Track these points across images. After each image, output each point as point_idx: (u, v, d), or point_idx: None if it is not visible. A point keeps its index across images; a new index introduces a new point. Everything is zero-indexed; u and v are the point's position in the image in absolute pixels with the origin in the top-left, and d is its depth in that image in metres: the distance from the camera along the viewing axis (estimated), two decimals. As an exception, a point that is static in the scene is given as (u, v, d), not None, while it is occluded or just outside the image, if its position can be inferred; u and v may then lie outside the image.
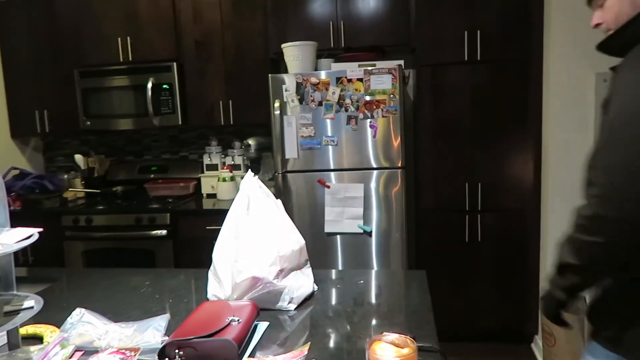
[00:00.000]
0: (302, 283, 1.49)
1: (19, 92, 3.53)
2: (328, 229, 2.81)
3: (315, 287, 1.55)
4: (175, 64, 3.27)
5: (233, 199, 1.55)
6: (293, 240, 1.51)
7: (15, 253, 1.09)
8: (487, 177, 2.89)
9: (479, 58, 2.80)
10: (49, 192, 3.51)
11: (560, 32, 2.63)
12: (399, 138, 2.72)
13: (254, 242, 1.44)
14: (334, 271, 1.76)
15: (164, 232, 3.12)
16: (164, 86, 3.30)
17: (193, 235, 3.07)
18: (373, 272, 1.76)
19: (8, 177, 3.47)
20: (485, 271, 2.95)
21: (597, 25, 1.20)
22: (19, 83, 3.51)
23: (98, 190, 3.55)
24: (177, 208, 3.17)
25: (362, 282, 1.63)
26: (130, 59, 3.35)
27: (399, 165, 2.74)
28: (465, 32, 2.79)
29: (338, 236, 2.83)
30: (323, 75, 2.76)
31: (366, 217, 2.80)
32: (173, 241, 3.14)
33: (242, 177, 3.36)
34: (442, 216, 2.96)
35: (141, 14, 3.32)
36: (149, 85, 3.28)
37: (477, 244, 2.93)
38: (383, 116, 2.71)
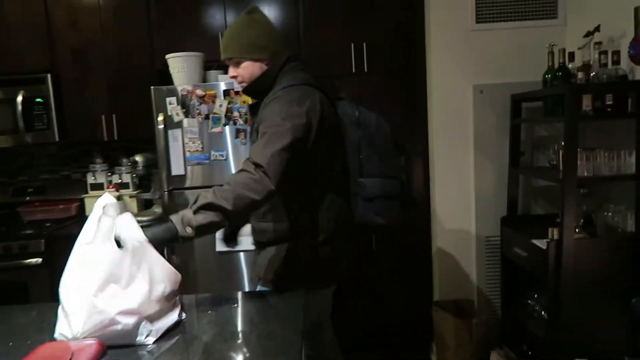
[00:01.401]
0: (163, 312, 1.35)
1: None
2: (219, 247, 2.67)
3: (183, 315, 1.42)
4: (49, 75, 2.99)
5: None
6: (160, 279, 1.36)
7: None
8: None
9: (366, 70, 2.82)
10: None
11: (439, 47, 2.73)
12: (290, 151, 2.66)
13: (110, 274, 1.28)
14: (207, 295, 1.64)
15: (39, 260, 2.81)
16: (37, 99, 3.00)
17: (73, 262, 2.78)
18: (249, 294, 1.65)
19: None
20: (382, 276, 2.96)
21: (233, 77, 1.78)
22: None
23: (-38, 217, 3.14)
24: (55, 232, 2.88)
25: (235, 305, 1.52)
26: (-4, 70, 3.02)
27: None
28: (352, 45, 2.80)
29: (233, 255, 2.71)
30: (209, 87, 2.64)
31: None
32: (49, 270, 2.83)
33: (129, 197, 3.20)
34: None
35: (7, 19, 3.00)
36: (19, 99, 2.96)
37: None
38: (273, 129, 2.64)
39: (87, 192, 3.27)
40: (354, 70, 2.81)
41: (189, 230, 1.44)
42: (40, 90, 3.00)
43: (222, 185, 1.49)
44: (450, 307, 2.77)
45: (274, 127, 1.55)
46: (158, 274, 1.34)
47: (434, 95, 2.75)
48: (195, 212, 1.45)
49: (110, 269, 1.28)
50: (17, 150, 3.41)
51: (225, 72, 2.88)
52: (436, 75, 2.74)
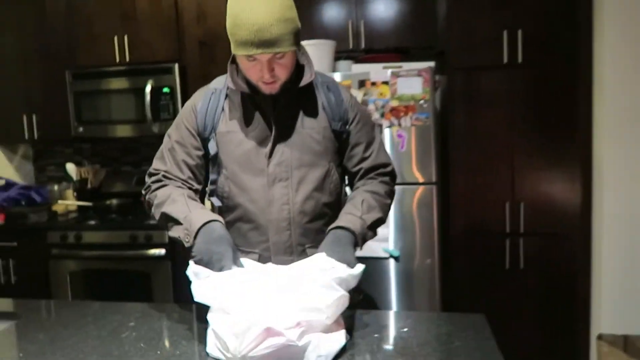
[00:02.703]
0: (331, 334, 1.14)
1: (5, 95, 3.22)
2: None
3: (347, 337, 1.21)
4: (177, 65, 2.96)
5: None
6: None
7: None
8: (531, 196, 2.53)
9: (519, 61, 2.45)
10: (36, 204, 3.19)
11: (613, 34, 2.30)
12: (432, 149, 2.38)
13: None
14: (365, 315, 1.41)
15: (162, 251, 2.78)
16: (164, 90, 2.99)
17: (194, 255, 2.72)
18: (416, 316, 1.40)
19: (-8, 188, 3.16)
20: (528, 303, 2.58)
21: (270, 82, 1.35)
22: (6, 85, 3.21)
23: (90, 204, 3.22)
24: (177, 225, 2.83)
25: (406, 329, 1.28)
26: (127, 59, 3.05)
27: (432, 180, 2.40)
28: (505, 32, 2.45)
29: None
30: (343, 77, 2.44)
31: (392, 240, 2.46)
32: (171, 262, 2.80)
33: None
34: (478, 240, 2.60)
35: (140, 12, 3.02)
36: (148, 88, 2.96)
37: (519, 272, 2.56)
38: (412, 124, 2.38)
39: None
40: (505, 61, 2.46)
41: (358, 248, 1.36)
42: (168, 80, 2.98)
43: (374, 193, 1.44)
44: (619, 342, 2.35)
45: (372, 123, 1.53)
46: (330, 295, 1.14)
47: (606, 93, 2.32)
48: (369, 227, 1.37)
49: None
50: (141, 139, 3.45)
51: (362, 62, 2.70)
52: (610, 70, 2.31)
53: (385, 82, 2.38)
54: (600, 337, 2.44)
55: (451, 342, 1.20)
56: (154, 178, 1.45)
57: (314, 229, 1.43)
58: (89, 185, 3.33)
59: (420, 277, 2.49)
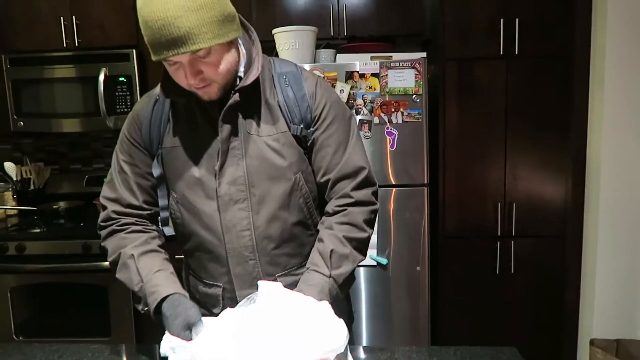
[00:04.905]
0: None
1: None
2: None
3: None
4: (134, 51, 2.62)
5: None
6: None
7: None
8: (522, 196, 2.40)
9: (516, 52, 2.30)
10: (-32, 210, 2.78)
11: (613, 24, 2.18)
12: (424, 148, 2.20)
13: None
14: (363, 350, 1.19)
15: (120, 262, 2.46)
16: (121, 79, 2.64)
17: (157, 266, 2.42)
18: (432, 350, 1.20)
19: None
20: (518, 307, 2.46)
21: (202, 86, 1.09)
22: None
23: (34, 208, 2.83)
24: (137, 231, 2.52)
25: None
26: (77, 44, 2.67)
27: (424, 182, 2.22)
28: (501, 21, 2.28)
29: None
30: (327, 69, 2.20)
31: (380, 246, 2.26)
32: (131, 274, 2.48)
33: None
34: (469, 243, 2.45)
35: (90, -13, 2.65)
36: (101, 77, 2.61)
37: (509, 276, 2.43)
38: (404, 121, 2.18)
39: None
40: (501, 52, 2.30)
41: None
42: (124, 67, 2.63)
43: (348, 228, 1.18)
44: (611, 347, 2.27)
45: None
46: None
47: (608, 86, 2.21)
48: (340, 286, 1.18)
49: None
50: (90, 135, 3.08)
51: (345, 51, 2.46)
52: (609, 63, 2.20)
53: (375, 74, 2.16)
54: (592, 342, 2.35)
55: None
56: (103, 216, 1.25)
57: (284, 254, 1.20)
58: (31, 187, 2.94)
59: (409, 284, 2.31)
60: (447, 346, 1.19)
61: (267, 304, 0.95)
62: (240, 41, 1.13)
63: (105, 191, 1.25)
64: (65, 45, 2.67)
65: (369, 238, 1.21)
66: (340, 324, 0.94)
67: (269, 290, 0.97)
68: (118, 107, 2.66)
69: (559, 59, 2.32)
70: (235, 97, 1.10)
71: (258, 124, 1.14)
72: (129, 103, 2.66)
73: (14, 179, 2.91)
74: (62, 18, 2.64)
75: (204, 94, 1.08)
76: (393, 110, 2.17)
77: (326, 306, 0.98)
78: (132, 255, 1.15)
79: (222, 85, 1.08)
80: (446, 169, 2.42)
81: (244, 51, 1.14)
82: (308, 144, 1.18)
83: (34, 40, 2.69)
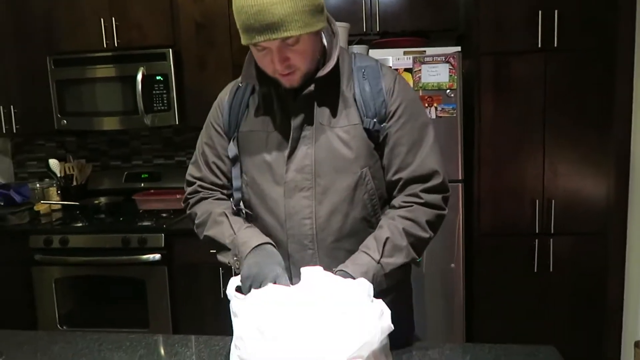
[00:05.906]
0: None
1: (-21, 85, 2.91)
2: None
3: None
4: (171, 50, 2.69)
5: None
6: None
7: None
8: (562, 192, 2.33)
9: (555, 45, 2.23)
10: (16, 205, 2.91)
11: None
12: (459, 143, 2.17)
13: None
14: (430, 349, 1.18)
15: (157, 256, 2.53)
16: (158, 77, 2.71)
17: (192, 260, 2.48)
18: (466, 347, 1.19)
19: (-35, 187, 2.87)
20: (557, 308, 2.40)
21: (286, 72, 1.13)
22: (-20, 74, 2.89)
23: (77, 203, 2.94)
24: (173, 226, 2.59)
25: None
26: (116, 44, 2.75)
27: (458, 178, 2.19)
28: (540, 13, 2.22)
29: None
30: (360, 64, 2.19)
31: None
32: (168, 268, 2.55)
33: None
34: (505, 240, 2.40)
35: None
36: (139, 76, 2.68)
37: (548, 275, 2.37)
38: (438, 116, 2.16)
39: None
40: (539, 45, 2.24)
41: None
42: (161, 67, 2.70)
43: (409, 224, 1.18)
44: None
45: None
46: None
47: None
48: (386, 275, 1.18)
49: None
50: (129, 133, 3.18)
51: (377, 47, 2.45)
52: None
53: (408, 70, 2.14)
54: (637, 344, 2.27)
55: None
56: (190, 189, 1.32)
57: (343, 249, 1.18)
58: (74, 183, 3.05)
59: (443, 282, 2.29)
60: (481, 344, 1.17)
61: (308, 287, 0.98)
62: (322, 33, 1.16)
63: (191, 170, 1.33)
64: (105, 46, 2.75)
65: (429, 240, 1.19)
66: (375, 319, 0.93)
67: (311, 274, 1.00)
68: (155, 105, 2.73)
69: (601, 52, 2.24)
70: (311, 87, 1.13)
71: (331, 115, 1.17)
72: (165, 101, 2.72)
73: (58, 175, 3.03)
74: (102, 20, 2.73)
75: (286, 81, 1.12)
76: (427, 105, 2.15)
77: (366, 286, 0.98)
78: (224, 212, 1.23)
79: (304, 73, 1.11)
80: (481, 164, 2.37)
81: (325, 42, 1.17)
82: (380, 140, 1.18)
83: (76, 41, 2.78)
